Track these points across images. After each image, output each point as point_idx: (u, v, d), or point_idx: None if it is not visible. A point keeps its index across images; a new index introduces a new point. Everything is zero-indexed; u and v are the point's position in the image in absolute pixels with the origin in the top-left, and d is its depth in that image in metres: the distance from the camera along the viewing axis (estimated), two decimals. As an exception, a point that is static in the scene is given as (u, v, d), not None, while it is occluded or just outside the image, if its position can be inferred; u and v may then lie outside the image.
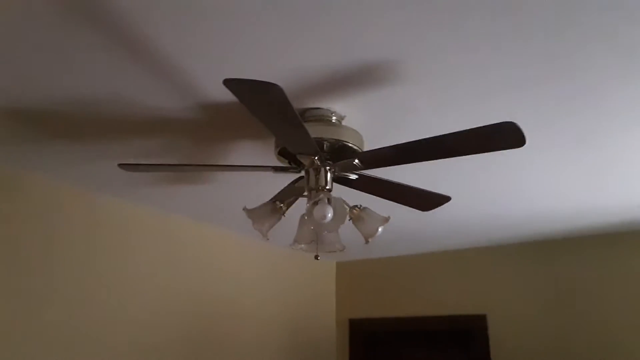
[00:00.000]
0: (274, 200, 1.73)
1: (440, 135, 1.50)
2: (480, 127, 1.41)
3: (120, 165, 1.70)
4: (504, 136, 1.41)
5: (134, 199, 2.77)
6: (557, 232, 3.43)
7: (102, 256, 2.61)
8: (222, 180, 2.46)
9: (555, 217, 3.08)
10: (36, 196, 2.37)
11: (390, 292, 4.17)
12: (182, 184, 2.55)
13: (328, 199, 1.53)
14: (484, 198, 2.73)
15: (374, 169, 1.80)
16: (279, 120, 1.37)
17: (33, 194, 2.36)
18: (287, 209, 1.77)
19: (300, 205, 1.90)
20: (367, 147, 1.79)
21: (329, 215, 1.48)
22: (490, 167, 2.30)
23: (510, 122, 1.35)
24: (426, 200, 2.05)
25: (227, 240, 3.40)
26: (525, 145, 1.46)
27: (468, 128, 1.47)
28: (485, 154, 2.04)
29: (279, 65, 1.48)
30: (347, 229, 1.76)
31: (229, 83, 1.19)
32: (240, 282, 3.44)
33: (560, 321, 3.42)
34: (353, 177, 1.82)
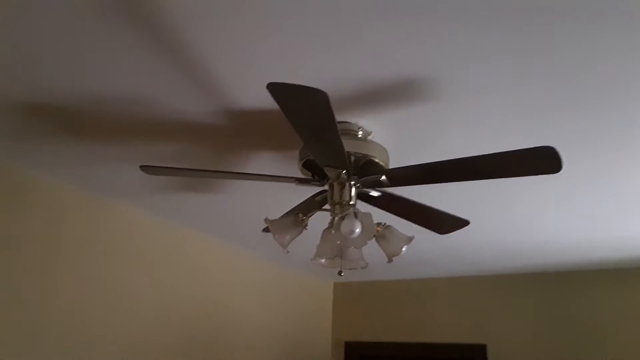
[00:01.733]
0: (296, 212, 1.69)
1: (473, 157, 1.48)
2: (517, 150, 1.39)
3: (142, 167, 1.66)
4: (541, 161, 1.39)
5: (140, 205, 2.71)
6: (563, 265, 3.41)
7: (103, 261, 2.55)
8: (230, 191, 2.42)
9: (564, 250, 3.07)
10: (40, 195, 2.31)
11: (389, 316, 4.10)
12: (190, 193, 2.50)
13: (355, 214, 1.49)
14: (495, 226, 2.70)
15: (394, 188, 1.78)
16: (315, 129, 1.34)
17: (37, 193, 2.30)
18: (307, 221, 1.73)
19: (315, 220, 1.87)
20: (391, 165, 1.76)
21: (357, 230, 1.44)
22: (506, 193, 2.28)
23: (550, 147, 1.33)
24: (445, 223, 2.02)
25: (228, 252, 3.35)
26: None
27: (500, 151, 1.45)
28: (499, 180, 2.06)
29: (311, 75, 1.46)
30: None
31: (272, 87, 1.17)
32: (235, 297, 3.37)
33: (562, 355, 3.37)
34: (375, 194, 1.79)
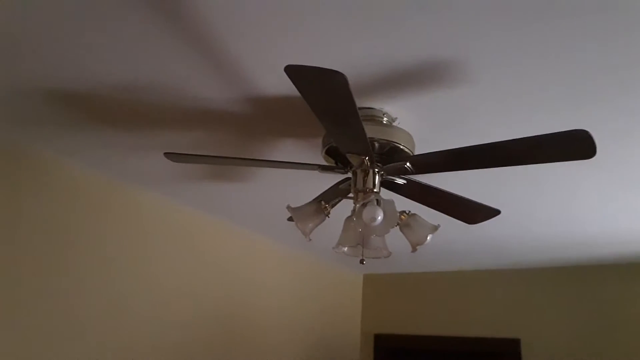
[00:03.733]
0: (319, 200, 1.67)
1: (502, 141, 1.42)
2: (548, 134, 1.32)
3: (166, 154, 1.66)
4: (574, 145, 1.32)
5: (164, 193, 2.73)
6: (600, 257, 3.28)
7: (128, 250, 2.57)
8: (254, 179, 2.41)
9: (602, 242, 2.94)
10: (64, 182, 2.32)
11: (419, 309, 4.05)
12: (214, 181, 2.50)
13: (377, 201, 1.46)
14: (529, 217, 2.61)
15: (420, 175, 1.73)
16: (336, 113, 1.31)
17: (60, 180, 2.31)
18: (331, 209, 1.70)
19: (341, 208, 1.84)
20: (417, 152, 1.71)
21: (379, 217, 1.40)
22: (540, 182, 2.19)
23: (583, 130, 1.26)
24: (475, 213, 1.95)
25: (253, 243, 3.35)
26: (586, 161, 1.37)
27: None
28: (539, 168, 1.98)
29: (337, 60, 1.43)
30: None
31: (290, 70, 1.14)
32: (264, 288, 3.37)
33: (597, 349, 3.25)
34: (400, 182, 1.75)
